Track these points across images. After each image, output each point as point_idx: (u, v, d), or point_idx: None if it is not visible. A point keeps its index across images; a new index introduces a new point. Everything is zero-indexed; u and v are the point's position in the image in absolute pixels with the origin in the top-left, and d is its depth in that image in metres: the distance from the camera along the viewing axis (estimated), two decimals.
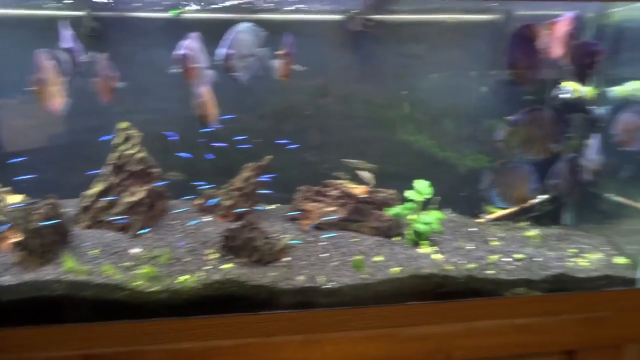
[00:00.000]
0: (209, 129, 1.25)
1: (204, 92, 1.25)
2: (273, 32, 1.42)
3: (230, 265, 1.29)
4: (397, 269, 1.32)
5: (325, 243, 1.43)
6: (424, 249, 1.43)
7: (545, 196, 1.59)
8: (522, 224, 1.65)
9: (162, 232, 1.42)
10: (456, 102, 1.65)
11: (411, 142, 1.66)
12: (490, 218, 1.66)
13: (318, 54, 1.55)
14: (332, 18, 1.59)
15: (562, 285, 1.39)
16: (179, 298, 1.21)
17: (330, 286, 1.27)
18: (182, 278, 1.22)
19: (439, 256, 1.40)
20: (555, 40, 1.23)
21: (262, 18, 1.47)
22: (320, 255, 1.38)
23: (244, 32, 1.42)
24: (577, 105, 1.52)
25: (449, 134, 1.67)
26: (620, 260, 1.45)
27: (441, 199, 1.62)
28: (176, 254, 1.32)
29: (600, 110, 1.54)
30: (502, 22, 1.58)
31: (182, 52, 1.23)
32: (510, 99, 1.56)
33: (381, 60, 1.59)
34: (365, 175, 1.45)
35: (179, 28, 1.39)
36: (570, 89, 1.50)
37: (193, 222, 1.45)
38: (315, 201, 1.53)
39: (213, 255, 1.32)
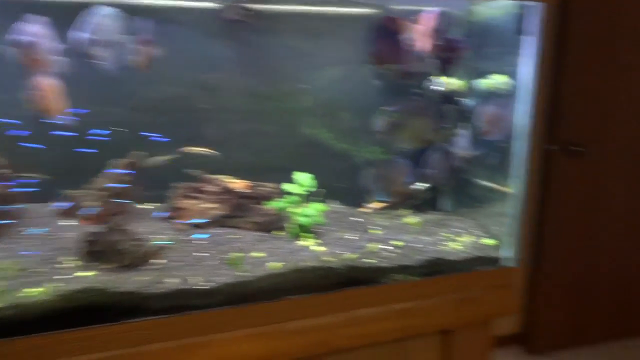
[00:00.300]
0: (57, 122, 1.12)
1: (43, 83, 1.12)
2: (139, 18, 1.33)
3: (92, 272, 1.17)
4: (278, 264, 1.30)
5: (203, 242, 1.37)
6: (306, 242, 1.42)
7: (426, 185, 1.66)
8: (404, 211, 1.71)
9: (12, 242, 1.26)
10: (341, 94, 1.65)
11: (298, 134, 1.64)
12: (375, 208, 1.69)
13: (192, 44, 1.47)
14: (207, 6, 1.51)
15: (438, 268, 1.45)
16: (31, 313, 1.08)
17: (207, 287, 1.21)
18: (33, 291, 1.09)
19: (321, 248, 1.39)
20: (419, 35, 1.28)
21: (126, 3, 1.36)
22: (197, 254, 1.31)
23: (106, 17, 1.31)
24: (449, 97, 1.60)
25: (338, 127, 1.67)
26: (488, 241, 1.55)
27: (331, 191, 1.62)
28: (28, 264, 1.17)
29: (469, 102, 1.64)
30: (380, 16, 1.61)
31: (23, 38, 1.09)
32: (396, 92, 1.61)
33: (261, 51, 1.55)
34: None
35: (27, 9, 1.24)
36: (443, 81, 1.58)
37: (38, 231, 1.30)
38: (193, 198, 1.45)
39: (73, 262, 1.20)
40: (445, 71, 1.40)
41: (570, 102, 2.40)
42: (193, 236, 1.36)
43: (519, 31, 1.39)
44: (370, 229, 1.56)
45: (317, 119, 1.58)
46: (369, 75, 1.57)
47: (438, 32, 1.30)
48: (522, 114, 1.46)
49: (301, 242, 1.42)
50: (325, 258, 1.35)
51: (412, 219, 1.66)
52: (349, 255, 1.38)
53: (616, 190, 2.64)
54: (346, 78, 1.59)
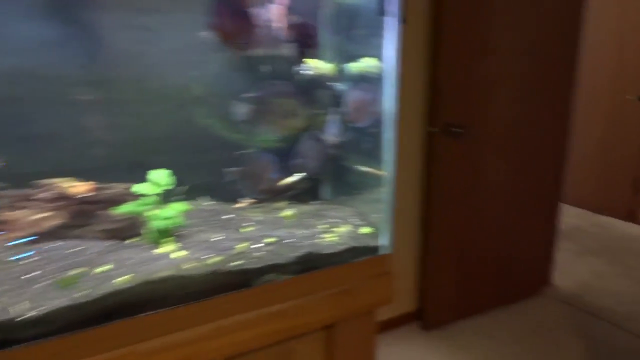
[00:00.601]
0: None
1: None
2: None
3: None
4: (127, 277, 1.13)
5: (34, 259, 1.16)
6: (165, 248, 1.27)
7: (300, 175, 1.58)
8: (280, 204, 1.61)
9: None
10: (197, 78, 1.49)
11: (154, 126, 1.46)
12: (248, 202, 1.57)
13: (9, 22, 1.22)
14: None
15: (313, 263, 1.38)
16: None
17: (35, 314, 1.02)
18: None
19: (181, 253, 1.25)
20: (272, 12, 1.17)
21: None
22: (25, 276, 1.10)
23: None
24: (319, 81, 1.52)
25: (196, 115, 1.51)
26: (365, 230, 1.51)
27: (200, 187, 1.47)
28: None
29: (341, 87, 1.57)
30: None
31: None
32: (257, 75, 1.48)
33: (96, 31, 1.34)
34: None
35: None
36: (311, 65, 1.49)
37: None
38: (21, 208, 1.22)
39: None
40: (304, 53, 1.31)
41: (448, 84, 2.46)
42: (15, 257, 1.14)
43: (381, 12, 1.34)
44: (242, 226, 1.44)
45: (173, 108, 1.41)
46: (226, 56, 1.42)
47: (292, 10, 1.20)
48: (389, 98, 1.42)
49: (160, 249, 1.26)
50: (186, 265, 1.21)
51: (288, 211, 1.56)
52: (214, 259, 1.25)
53: (495, 168, 2.78)
54: (202, 60, 1.43)
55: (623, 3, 4.26)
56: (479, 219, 2.82)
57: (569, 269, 3.48)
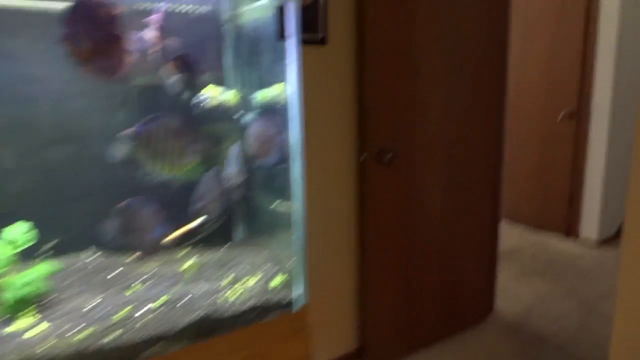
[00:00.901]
0: None
1: None
2: None
3: None
4: None
5: None
6: (21, 323, 1.03)
7: (202, 218, 1.37)
8: (184, 251, 1.40)
9: None
10: (68, 114, 1.27)
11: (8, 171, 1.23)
12: (142, 253, 1.36)
13: None
14: None
15: (213, 327, 1.18)
16: None
17: None
18: None
19: (41, 328, 1.02)
20: (147, 37, 0.99)
21: None
22: None
23: None
24: (219, 112, 1.34)
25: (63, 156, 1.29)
26: (278, 279, 1.32)
27: (83, 238, 1.25)
28: None
29: (245, 118, 1.40)
30: None
31: None
32: (138, 105, 1.28)
33: None
34: None
35: None
36: (207, 94, 1.31)
37: None
38: None
39: None
40: (192, 81, 1.14)
41: (375, 107, 2.35)
42: None
43: (281, 36, 1.19)
44: (131, 284, 1.22)
45: (35, 149, 1.18)
46: (102, 87, 1.22)
47: (174, 33, 1.03)
48: (298, 127, 1.26)
49: (13, 326, 1.02)
50: (44, 344, 0.97)
51: (190, 261, 1.36)
52: (85, 332, 1.02)
53: (431, 192, 2.69)
54: (71, 92, 1.21)
55: (550, 23, 4.40)
56: (418, 247, 2.70)
57: (512, 292, 3.43)
